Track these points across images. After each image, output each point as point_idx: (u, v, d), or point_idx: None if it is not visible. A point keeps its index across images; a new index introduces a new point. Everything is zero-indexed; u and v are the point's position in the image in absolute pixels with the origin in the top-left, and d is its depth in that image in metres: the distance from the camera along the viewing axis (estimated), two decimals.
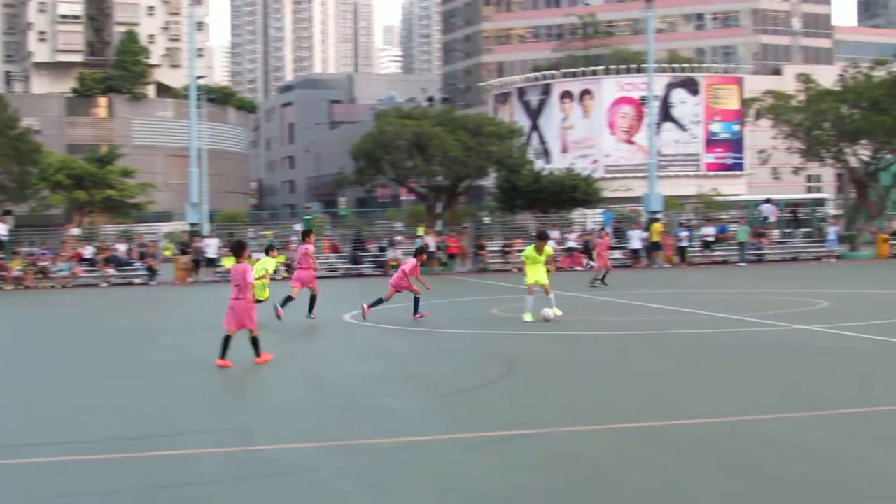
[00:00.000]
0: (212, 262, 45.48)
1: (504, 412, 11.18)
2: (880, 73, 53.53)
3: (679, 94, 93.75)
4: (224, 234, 51.21)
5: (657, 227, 47.35)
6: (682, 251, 47.82)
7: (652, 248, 47.58)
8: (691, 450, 9.12)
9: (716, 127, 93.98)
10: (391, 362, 15.68)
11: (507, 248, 49.36)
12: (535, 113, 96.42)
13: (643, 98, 78.96)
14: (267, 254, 24.16)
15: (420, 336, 19.57)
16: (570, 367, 14.82)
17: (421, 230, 53.91)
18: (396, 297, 22.83)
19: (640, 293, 28.35)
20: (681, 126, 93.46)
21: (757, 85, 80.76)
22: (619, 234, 51.48)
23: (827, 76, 61.45)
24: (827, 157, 55.68)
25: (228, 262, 18.78)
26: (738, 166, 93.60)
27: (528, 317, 21.06)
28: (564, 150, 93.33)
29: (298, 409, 11.74)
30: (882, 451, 8.88)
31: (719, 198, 71.73)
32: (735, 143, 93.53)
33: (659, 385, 12.75)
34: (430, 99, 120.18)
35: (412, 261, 22.90)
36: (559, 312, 21.35)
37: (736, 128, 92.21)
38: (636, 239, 48.18)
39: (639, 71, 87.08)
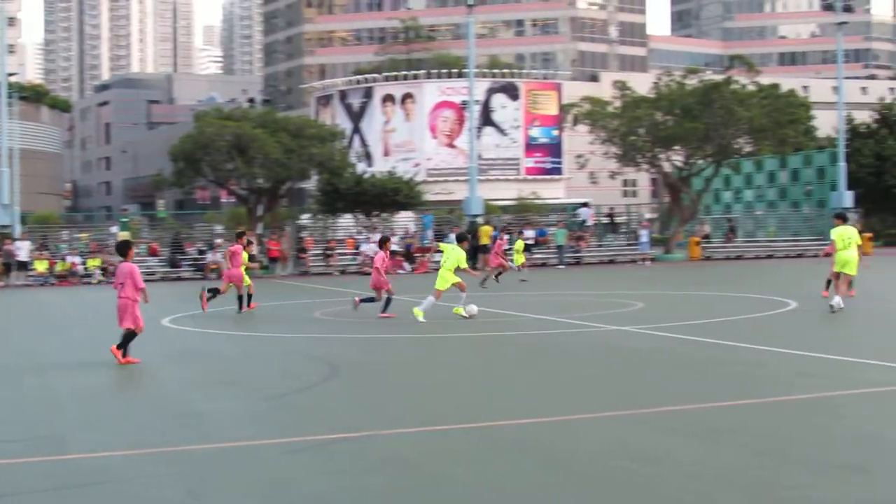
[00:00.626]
0: (24, 266, 43.92)
1: (327, 415, 11.09)
2: (692, 82, 55.38)
3: (499, 99, 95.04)
4: (37, 237, 49.52)
5: (486, 229, 47.82)
6: (503, 254, 48.39)
7: (480, 250, 48.03)
8: (512, 449, 9.20)
9: (535, 132, 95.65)
10: (210, 367, 15.39)
11: (328, 252, 49.16)
12: (356, 116, 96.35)
13: (464, 102, 79.79)
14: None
15: (241, 340, 19.29)
16: (393, 369, 14.81)
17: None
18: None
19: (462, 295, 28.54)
20: (501, 130, 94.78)
21: (575, 91, 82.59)
22: (440, 238, 51.86)
23: (642, 83, 63.31)
24: (642, 162, 57.27)
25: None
26: (557, 170, 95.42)
27: (420, 315, 21.09)
28: (386, 153, 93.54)
29: (114, 417, 11.39)
30: (697, 446, 9.13)
31: (539, 201, 73.05)
32: (554, 148, 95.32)
33: (481, 386, 12.84)
34: (251, 100, 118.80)
35: (380, 254, 22.91)
36: (474, 310, 21.50)
37: (555, 133, 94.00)
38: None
39: (460, 76, 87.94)
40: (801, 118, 56.29)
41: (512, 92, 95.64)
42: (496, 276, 34.52)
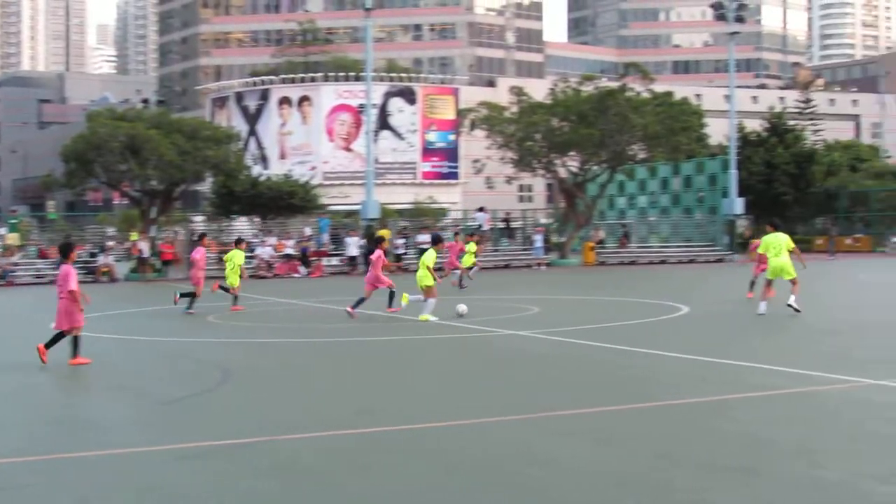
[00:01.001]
0: None
1: (219, 421, 10.91)
2: (588, 89, 55.93)
3: (396, 103, 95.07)
4: None
5: (385, 233, 47.68)
6: (398, 258, 48.38)
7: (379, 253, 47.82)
8: (407, 453, 9.13)
9: (432, 136, 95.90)
10: (102, 372, 15.05)
11: (222, 254, 48.56)
12: (253, 118, 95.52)
13: (361, 106, 79.55)
14: (237, 246, 27.46)
15: (133, 344, 18.92)
16: (286, 374, 14.64)
17: (134, 236, 52.36)
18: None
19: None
20: (398, 134, 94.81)
21: (472, 96, 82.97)
22: (336, 241, 51.68)
23: (539, 89, 63.80)
24: (538, 167, 57.69)
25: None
26: (454, 175, 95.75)
27: (428, 318, 21.94)
28: (283, 156, 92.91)
29: (1, 423, 11.05)
30: (594, 450, 9.17)
31: (435, 206, 73.18)
32: (451, 153, 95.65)
33: (376, 391, 12.76)
34: (146, 101, 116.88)
35: (377, 251, 23.86)
36: (432, 319, 21.86)
37: (452, 137, 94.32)
38: (353, 246, 48.42)
39: (357, 79, 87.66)
40: (694, 126, 57.38)
41: (409, 96, 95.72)
42: (460, 281, 34.20)
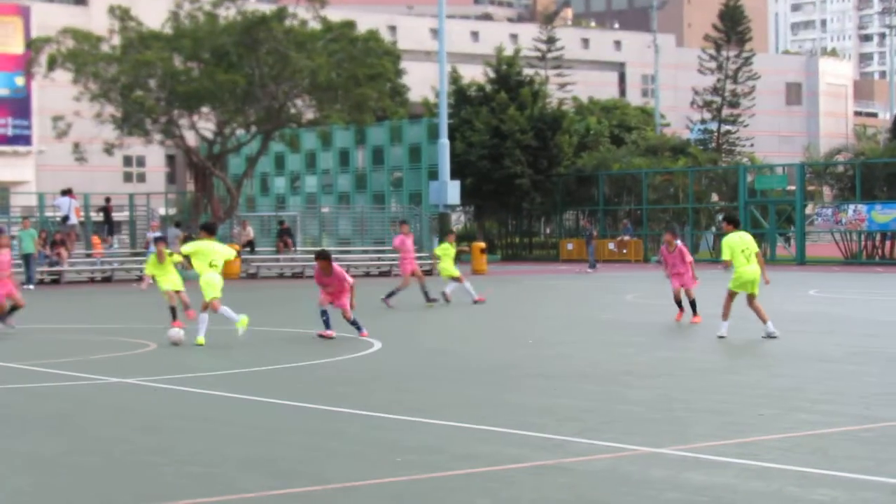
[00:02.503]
0: None
1: None
2: (228, 13, 55.83)
3: None
4: None
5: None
6: None
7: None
8: None
9: None
10: None
11: None
12: None
13: None
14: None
15: None
16: None
17: None
18: None
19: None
20: None
21: (51, 19, 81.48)
22: None
23: (154, 12, 63.20)
24: (154, 130, 57.16)
25: None
26: (24, 140, 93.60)
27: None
28: None
29: None
30: None
31: None
32: (18, 105, 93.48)
33: None
34: None
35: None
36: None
37: (19, 82, 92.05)
38: None
39: None
40: (387, 72, 58.28)
41: None
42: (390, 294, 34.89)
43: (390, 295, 34.43)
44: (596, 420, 15.07)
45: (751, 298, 24.38)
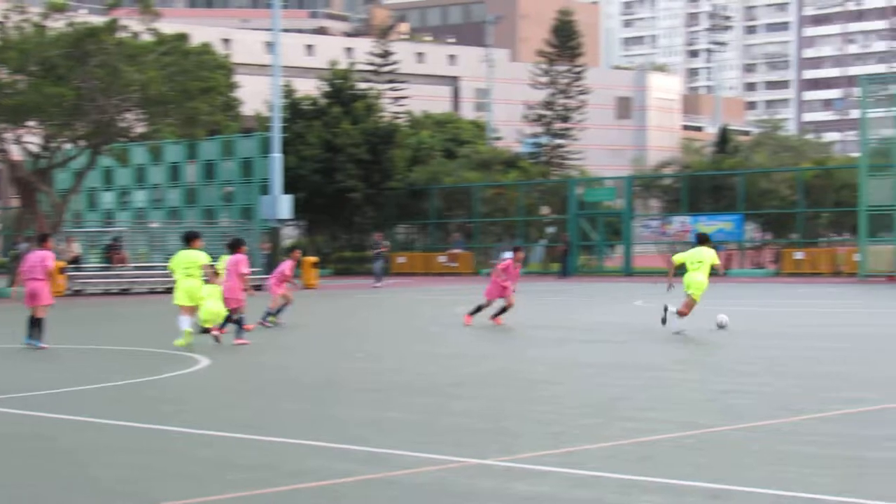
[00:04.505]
0: None
1: None
2: (56, 24, 55.14)
3: None
4: None
5: None
6: None
7: None
8: None
9: None
10: None
11: None
12: None
13: None
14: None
15: None
16: None
17: None
18: None
19: None
20: None
21: None
22: None
23: None
24: None
25: None
26: None
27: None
28: None
29: None
30: None
31: None
32: None
33: None
34: None
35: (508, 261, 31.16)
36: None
37: None
38: None
39: None
40: (220, 86, 57.99)
41: None
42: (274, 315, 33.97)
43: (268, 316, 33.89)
44: (423, 432, 15.18)
45: (689, 299, 27.99)
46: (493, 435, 14.89)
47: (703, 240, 28.70)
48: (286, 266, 34.59)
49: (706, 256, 27.84)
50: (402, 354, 25.91)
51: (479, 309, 32.15)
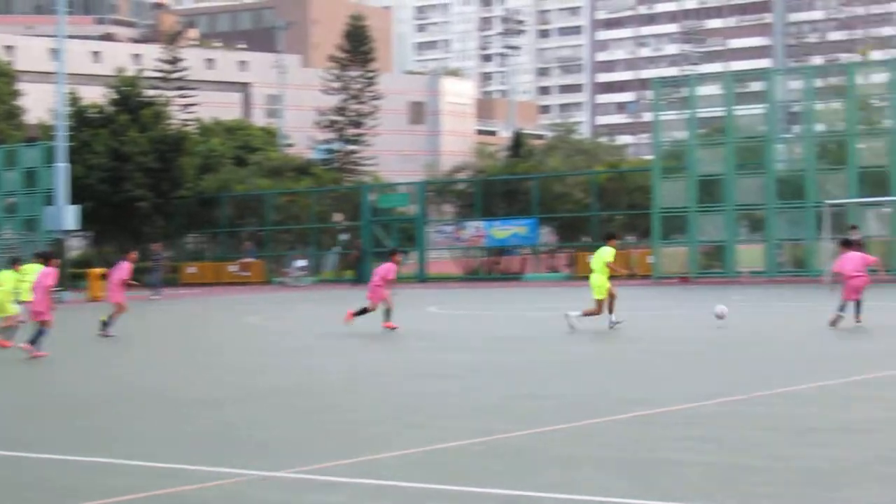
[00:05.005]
0: None
1: None
2: None
3: None
4: None
5: None
6: None
7: None
8: None
9: None
10: None
11: None
12: None
13: None
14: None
15: None
16: None
17: None
18: None
19: None
20: None
21: None
22: None
23: None
24: None
25: None
26: None
27: None
28: None
29: None
30: None
31: None
32: None
33: None
34: None
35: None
36: None
37: None
38: None
39: None
40: (2, 94, 57.10)
41: None
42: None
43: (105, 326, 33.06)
44: (215, 446, 14.99)
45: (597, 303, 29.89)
46: (285, 445, 14.76)
47: (606, 238, 31.25)
48: (123, 270, 33.66)
49: (600, 257, 29.68)
50: (191, 365, 25.76)
51: (364, 311, 32.30)
